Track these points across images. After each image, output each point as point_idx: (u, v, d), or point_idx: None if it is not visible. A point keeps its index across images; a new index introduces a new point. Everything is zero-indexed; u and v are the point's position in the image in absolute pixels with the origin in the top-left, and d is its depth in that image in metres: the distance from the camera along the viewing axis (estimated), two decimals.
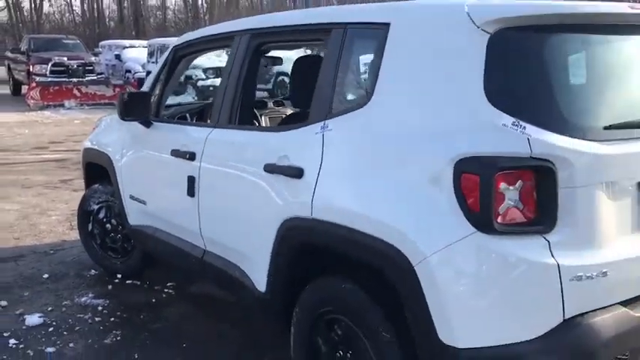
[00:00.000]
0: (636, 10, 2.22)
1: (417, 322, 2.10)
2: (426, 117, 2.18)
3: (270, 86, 14.94)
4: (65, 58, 17.08)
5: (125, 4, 40.35)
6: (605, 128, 2.13)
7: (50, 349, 3.45)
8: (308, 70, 2.83)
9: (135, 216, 4.04)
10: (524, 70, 2.08)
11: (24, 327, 3.72)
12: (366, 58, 2.45)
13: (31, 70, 16.80)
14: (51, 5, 43.97)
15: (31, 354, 3.40)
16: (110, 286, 4.39)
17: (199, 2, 39.71)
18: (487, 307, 2.01)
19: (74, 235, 5.31)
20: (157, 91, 3.86)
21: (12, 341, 3.53)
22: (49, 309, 3.98)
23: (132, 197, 4.03)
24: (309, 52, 7.69)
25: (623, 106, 2.28)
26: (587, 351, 2.02)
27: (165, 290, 4.32)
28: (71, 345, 3.51)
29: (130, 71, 18.57)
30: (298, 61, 3.01)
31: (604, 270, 2.06)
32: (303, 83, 2.86)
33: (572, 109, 2.11)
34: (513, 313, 2.01)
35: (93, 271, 4.66)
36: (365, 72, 2.45)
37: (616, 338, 2.06)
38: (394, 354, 2.21)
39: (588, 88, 2.24)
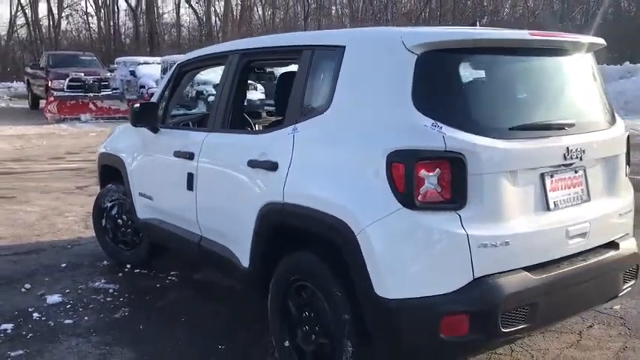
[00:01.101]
0: (535, 36, 2.80)
1: (359, 281, 2.66)
2: (368, 120, 2.76)
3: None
4: (82, 74, 17.84)
5: (141, 22, 41.39)
6: (510, 129, 2.70)
7: (68, 321, 4.04)
8: (287, 84, 3.42)
9: (143, 210, 4.64)
10: (443, 83, 2.67)
11: (45, 304, 4.31)
12: (328, 74, 3.03)
13: (49, 84, 17.58)
14: (69, 23, 45.14)
15: (52, 324, 3.99)
16: (120, 274, 4.98)
17: (213, 20, 40.69)
18: (411, 267, 2.57)
19: (89, 233, 5.90)
20: (164, 102, 4.47)
21: (35, 315, 4.12)
22: (67, 291, 4.57)
23: (140, 194, 4.63)
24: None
25: (525, 111, 2.87)
26: (491, 303, 2.56)
27: (169, 277, 4.89)
28: (86, 318, 4.09)
29: (144, 87, 19.29)
30: (280, 77, 3.61)
31: (507, 240, 2.62)
32: (283, 95, 3.45)
33: (481, 114, 2.69)
34: (432, 272, 2.56)
35: (105, 262, 5.24)
36: (327, 84, 3.03)
37: (516, 295, 2.61)
38: (344, 308, 2.76)
39: (495, 97, 2.82)
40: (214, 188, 3.70)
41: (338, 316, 2.80)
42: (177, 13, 45.51)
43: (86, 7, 44.88)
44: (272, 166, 3.14)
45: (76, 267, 5.15)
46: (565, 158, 2.81)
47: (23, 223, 6.62)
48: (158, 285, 4.75)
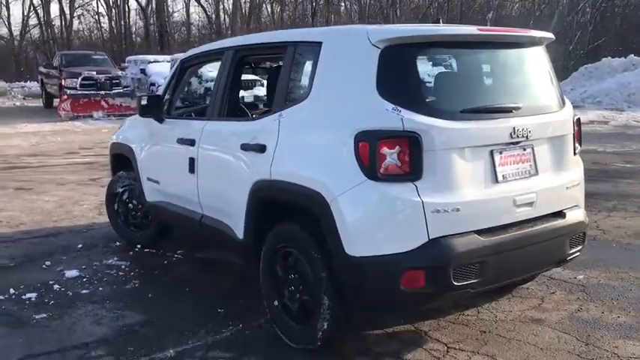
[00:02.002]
0: (483, 31, 3.24)
1: (332, 242, 3.11)
2: (340, 106, 3.21)
3: None
4: (94, 73, 18.37)
5: (151, 21, 41.96)
6: (461, 112, 3.14)
7: (85, 291, 4.53)
8: (275, 77, 3.87)
9: (151, 194, 5.12)
10: (402, 72, 3.11)
11: (64, 278, 4.80)
12: (308, 66, 3.48)
13: (62, 83, 18.12)
14: (80, 22, 45.86)
15: (70, 294, 4.48)
16: (131, 253, 5.46)
17: (222, 18, 41.22)
18: (374, 229, 3.02)
19: (103, 219, 6.39)
20: (168, 95, 4.94)
21: (56, 286, 4.61)
22: (83, 267, 5.05)
23: (148, 179, 5.11)
24: None
25: (476, 96, 3.30)
26: (443, 260, 3.00)
27: (175, 256, 5.37)
28: (100, 289, 4.58)
29: (154, 84, 19.76)
30: (270, 71, 4.05)
31: (457, 207, 3.06)
32: (272, 86, 3.91)
33: (435, 99, 3.14)
34: (392, 234, 3.01)
35: (117, 242, 5.73)
36: (307, 76, 3.48)
37: (465, 253, 3.04)
38: (321, 268, 3.21)
39: (448, 84, 3.27)
40: (213, 170, 4.17)
41: (317, 275, 3.26)
42: (187, 11, 46.15)
43: (97, 7, 45.77)
44: (261, 149, 3.60)
45: (91, 247, 5.64)
46: (512, 137, 3.24)
47: (41, 210, 7.13)
48: (165, 262, 5.23)
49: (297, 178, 3.30)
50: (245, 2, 39.72)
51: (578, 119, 3.76)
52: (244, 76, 5.23)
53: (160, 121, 4.85)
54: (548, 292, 4.35)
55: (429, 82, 3.17)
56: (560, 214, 3.51)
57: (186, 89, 4.94)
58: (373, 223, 3.03)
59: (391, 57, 3.09)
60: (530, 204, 3.34)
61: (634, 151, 11.56)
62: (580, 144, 3.82)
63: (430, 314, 3.95)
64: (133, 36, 45.29)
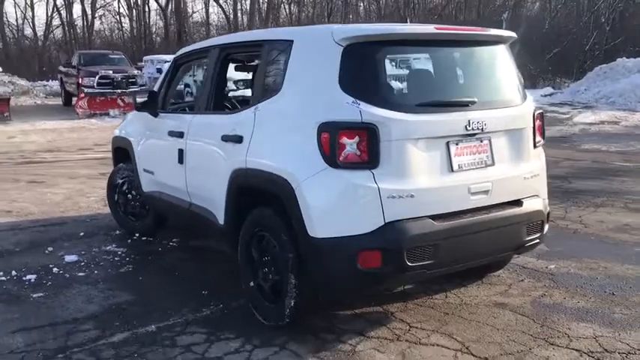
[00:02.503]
0: (440, 30, 3.47)
1: (297, 225, 3.36)
2: (307, 99, 3.46)
3: None
4: (111, 72, 18.80)
5: (171, 22, 42.52)
6: (418, 105, 3.37)
7: (81, 274, 4.83)
8: (254, 73, 4.13)
9: (147, 184, 5.41)
10: (362, 69, 3.34)
11: (64, 262, 5.11)
12: (281, 62, 3.74)
13: (80, 82, 18.59)
14: (101, 23, 46.57)
15: (68, 276, 4.79)
16: (129, 240, 5.77)
17: (240, 18, 41.61)
18: (334, 213, 3.27)
19: (107, 210, 6.68)
20: (163, 90, 5.23)
21: (55, 269, 4.93)
22: (82, 252, 5.37)
23: (145, 170, 5.40)
24: None
25: (432, 91, 3.54)
26: (398, 242, 3.23)
27: (170, 243, 5.66)
28: (96, 272, 4.88)
29: None
30: (250, 68, 4.31)
31: (412, 194, 3.29)
32: (251, 82, 4.17)
33: (392, 93, 3.38)
34: (350, 217, 3.25)
35: (117, 231, 6.04)
36: (280, 71, 3.73)
37: (418, 236, 3.27)
38: (289, 249, 3.47)
39: (405, 80, 3.51)
40: (198, 160, 4.45)
41: (285, 256, 3.51)
42: (207, 12, 46.64)
43: (118, 8, 46.33)
44: (238, 139, 3.87)
45: (92, 235, 5.96)
46: (467, 129, 3.46)
47: (50, 202, 7.48)
48: (160, 249, 5.52)
49: (268, 166, 3.57)
50: (263, 3, 40.11)
51: (541, 114, 3.97)
52: (240, 76, 5.50)
53: (155, 115, 5.14)
54: (517, 279, 4.56)
55: (387, 78, 3.41)
56: (517, 203, 3.72)
57: (179, 85, 5.20)
58: (333, 207, 3.28)
59: (353, 54, 3.33)
60: (486, 192, 3.56)
61: (637, 150, 11.62)
62: (542, 137, 4.02)
63: (400, 297, 4.19)
64: (153, 36, 45.86)
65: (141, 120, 5.43)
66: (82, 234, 5.99)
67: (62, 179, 9.08)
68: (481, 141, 3.58)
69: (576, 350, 3.43)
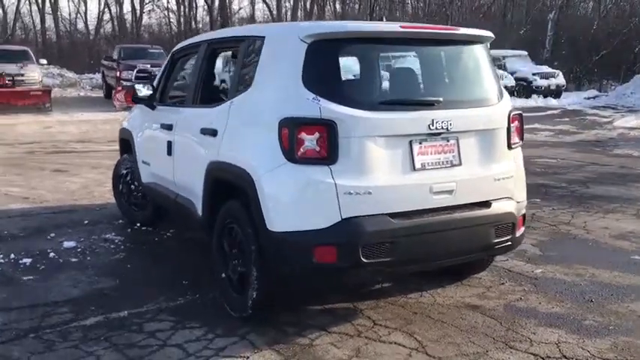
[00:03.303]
0: (405, 29, 3.46)
1: (257, 218, 3.42)
2: (272, 95, 3.51)
3: None
4: (149, 65, 19.24)
5: (217, 18, 43.09)
6: (380, 103, 3.38)
7: (74, 259, 5.01)
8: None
9: (145, 175, 5.56)
10: (325, 66, 3.37)
11: (61, 248, 5.30)
12: (254, 58, 3.80)
13: (119, 75, 19.10)
14: (150, 18, 47.59)
15: (61, 261, 4.97)
16: (129, 230, 5.93)
17: (283, 11, 41.82)
18: (291, 207, 3.31)
19: None
20: (162, 84, 5.36)
21: (51, 254, 5.12)
22: (81, 239, 5.55)
23: (143, 161, 5.55)
24: None
25: (395, 90, 3.53)
26: (352, 238, 3.25)
27: (167, 234, 5.80)
28: (88, 259, 5.05)
29: None
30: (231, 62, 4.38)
31: (369, 190, 3.30)
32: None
33: (354, 90, 3.40)
34: (307, 212, 3.29)
35: (120, 220, 6.22)
36: (252, 67, 3.79)
37: (374, 233, 3.28)
38: (252, 241, 3.53)
39: (368, 78, 3.51)
40: (183, 153, 4.55)
41: (249, 248, 3.58)
42: (253, 7, 47.10)
43: (167, 3, 47.24)
44: (213, 133, 3.95)
45: (96, 223, 6.15)
46: (430, 129, 3.45)
47: (66, 190, 7.75)
48: (156, 239, 5.66)
49: (236, 159, 3.64)
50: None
51: (518, 115, 3.91)
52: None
53: (152, 107, 5.28)
54: (498, 282, 4.50)
55: (350, 75, 3.43)
56: (485, 204, 3.68)
57: (176, 78, 5.32)
58: (290, 201, 3.33)
59: (316, 51, 3.37)
60: (450, 192, 3.54)
61: None
62: (521, 139, 3.97)
63: (374, 295, 4.20)
64: (199, 31, 46.57)
65: (141, 113, 5.58)
66: (86, 222, 6.19)
67: (85, 169, 9.36)
68: (447, 140, 3.56)
69: (534, 355, 3.38)
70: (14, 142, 12.77)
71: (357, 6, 40.84)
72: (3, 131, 14.55)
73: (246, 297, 3.65)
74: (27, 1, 45.12)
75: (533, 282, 4.51)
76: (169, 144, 4.74)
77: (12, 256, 5.04)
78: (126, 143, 6.07)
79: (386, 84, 3.57)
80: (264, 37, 3.73)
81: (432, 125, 3.45)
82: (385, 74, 3.59)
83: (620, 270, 4.74)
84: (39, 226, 6.00)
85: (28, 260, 4.94)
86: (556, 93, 22.68)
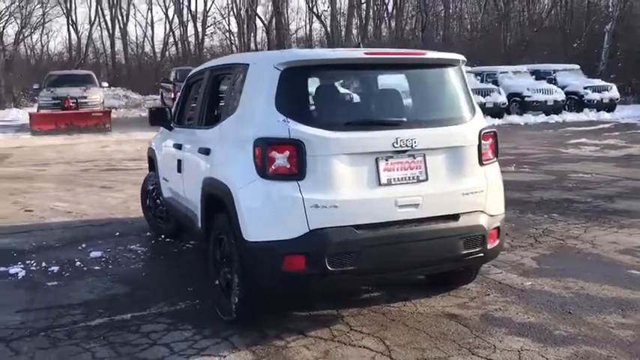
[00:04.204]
0: (369, 55, 3.75)
1: (235, 229, 3.76)
2: (251, 117, 3.86)
3: None
4: None
5: (274, 38, 44.19)
6: (346, 124, 3.68)
7: (97, 268, 5.50)
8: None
9: (164, 190, 6.02)
10: (295, 90, 3.70)
11: (88, 257, 5.81)
12: (240, 84, 4.16)
13: (173, 96, 20.03)
14: (212, 40, 49.26)
15: (85, 269, 5.46)
16: (153, 241, 6.40)
17: (336, 35, 42.44)
18: (264, 219, 3.64)
19: None
20: (179, 106, 5.82)
21: (78, 263, 5.63)
22: (108, 250, 6.05)
23: (163, 178, 6.02)
24: None
25: (360, 111, 3.83)
26: (319, 248, 3.55)
27: (187, 245, 6.23)
28: (110, 267, 5.53)
29: None
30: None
31: (335, 204, 3.59)
32: None
33: (321, 112, 3.71)
34: (278, 223, 3.60)
35: (148, 233, 6.71)
36: (239, 92, 4.16)
37: (339, 243, 3.57)
38: (234, 250, 3.87)
39: (334, 101, 3.81)
40: (188, 169, 4.97)
41: (232, 257, 3.92)
42: (310, 27, 48.06)
43: (229, 25, 48.77)
44: (207, 152, 4.34)
45: (125, 235, 6.66)
46: (394, 146, 3.71)
47: (107, 205, 8.36)
48: (176, 250, 6.10)
49: (221, 176, 4.01)
50: (364, 16, 40.75)
51: (491, 133, 4.11)
52: None
53: (170, 129, 5.74)
54: (484, 293, 4.67)
55: (318, 99, 3.74)
56: (453, 217, 3.89)
57: (188, 102, 5.77)
58: (262, 213, 3.66)
59: (288, 77, 3.70)
60: (416, 205, 3.77)
61: None
62: (495, 155, 4.16)
63: (360, 303, 4.46)
64: (258, 51, 47.75)
65: (163, 133, 6.06)
66: (117, 234, 6.71)
67: (128, 185, 9.99)
68: (414, 157, 3.80)
69: None
70: (72, 160, 13.69)
71: (412, 20, 41.06)
72: (63, 150, 15.60)
73: (230, 302, 3.98)
74: (98, 27, 47.64)
75: (518, 294, 4.64)
76: (179, 162, 5.16)
77: (43, 264, 5.57)
78: (151, 161, 6.57)
79: (352, 106, 3.86)
80: (248, 64, 4.10)
81: (397, 143, 3.71)
82: (352, 97, 3.88)
83: (610, 283, 4.80)
84: (73, 238, 6.56)
85: (56, 268, 5.46)
86: (609, 107, 22.14)
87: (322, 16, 42.73)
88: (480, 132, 4.03)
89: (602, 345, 3.73)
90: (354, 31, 40.32)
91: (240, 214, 3.71)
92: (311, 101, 3.72)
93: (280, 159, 3.60)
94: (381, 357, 3.63)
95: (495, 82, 22.23)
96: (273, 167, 3.60)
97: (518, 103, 21.83)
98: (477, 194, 4.00)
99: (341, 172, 3.63)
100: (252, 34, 46.67)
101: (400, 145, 3.72)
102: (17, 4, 38.18)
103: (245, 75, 4.08)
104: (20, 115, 23.64)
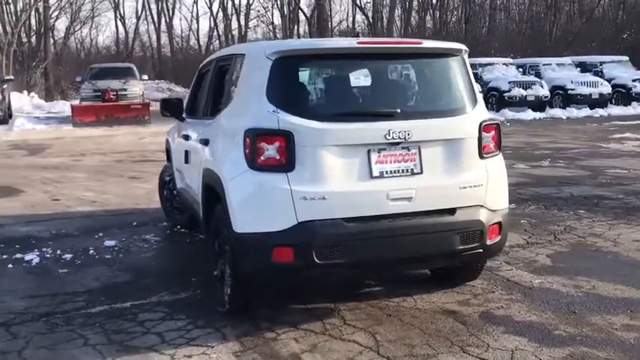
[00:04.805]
0: (361, 44, 3.67)
1: (227, 220, 3.75)
2: (244, 107, 3.84)
3: None
4: None
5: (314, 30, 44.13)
6: (335, 114, 3.61)
7: (108, 256, 5.58)
8: None
9: (178, 181, 6.07)
10: (286, 80, 3.65)
11: (102, 246, 5.91)
12: (236, 74, 4.14)
13: None
14: (255, 33, 49.60)
15: (97, 257, 5.56)
16: (168, 231, 6.47)
17: (377, 26, 42.05)
18: (253, 210, 3.61)
19: None
20: (190, 97, 5.85)
21: (91, 251, 5.73)
22: (123, 239, 6.14)
23: (176, 169, 6.06)
24: None
25: (352, 102, 3.74)
26: (306, 240, 3.50)
27: (200, 236, 6.25)
28: (121, 256, 5.61)
29: None
30: None
31: (324, 196, 3.53)
32: None
33: (311, 103, 3.66)
34: (266, 215, 3.57)
35: (164, 223, 6.78)
36: (235, 82, 4.14)
37: (327, 236, 3.51)
38: (227, 242, 3.86)
39: (325, 91, 3.74)
40: (193, 160, 4.99)
41: (225, 248, 3.92)
42: (353, 18, 47.81)
43: (272, 17, 48.99)
44: (206, 143, 4.35)
45: (142, 225, 6.75)
46: (386, 138, 3.62)
47: (132, 195, 8.50)
48: (188, 240, 6.15)
49: (215, 167, 4.00)
50: (404, 10, 40.28)
51: (492, 125, 3.97)
52: None
53: (182, 120, 5.77)
54: (489, 290, 4.53)
55: (308, 89, 3.68)
56: (449, 211, 3.78)
57: (198, 93, 5.77)
58: (251, 205, 3.63)
59: (279, 67, 3.66)
60: (409, 199, 3.68)
61: None
62: (498, 148, 4.03)
63: (359, 297, 4.39)
64: None
65: (176, 125, 6.10)
66: (135, 223, 6.80)
67: (156, 177, 10.03)
68: (408, 150, 3.71)
69: (481, 359, 3.45)
70: (108, 151, 13.98)
71: (457, 12, 40.29)
72: (102, 141, 15.96)
73: (223, 293, 3.98)
74: (145, 21, 48.58)
75: (525, 292, 4.49)
76: (186, 153, 5.19)
77: (58, 252, 5.69)
78: (168, 152, 6.64)
79: (343, 96, 3.78)
80: (244, 54, 4.07)
81: (389, 135, 3.62)
82: (344, 87, 3.80)
83: (625, 284, 4.60)
84: (92, 227, 6.68)
85: (69, 256, 5.57)
86: None
87: (365, 8, 42.39)
88: (481, 124, 3.90)
89: (601, 346, 3.58)
90: (397, 23, 39.90)
91: (230, 205, 3.69)
92: (302, 91, 3.67)
93: (270, 150, 3.56)
94: (368, 352, 3.56)
95: (538, 75, 21.65)
96: (262, 158, 3.57)
97: (561, 96, 21.21)
98: (476, 188, 3.88)
99: (331, 163, 3.57)
100: (294, 27, 46.77)
101: (393, 137, 3.63)
102: None
103: (241, 65, 4.05)
104: (66, 107, 24.22)
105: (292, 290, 4.52)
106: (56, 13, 36.83)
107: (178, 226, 6.57)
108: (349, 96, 3.81)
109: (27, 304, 4.42)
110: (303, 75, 3.69)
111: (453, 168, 3.83)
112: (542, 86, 20.69)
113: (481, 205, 3.90)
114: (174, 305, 4.35)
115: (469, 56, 4.03)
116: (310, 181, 3.54)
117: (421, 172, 3.74)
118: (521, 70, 21.75)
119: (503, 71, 21.30)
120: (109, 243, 5.98)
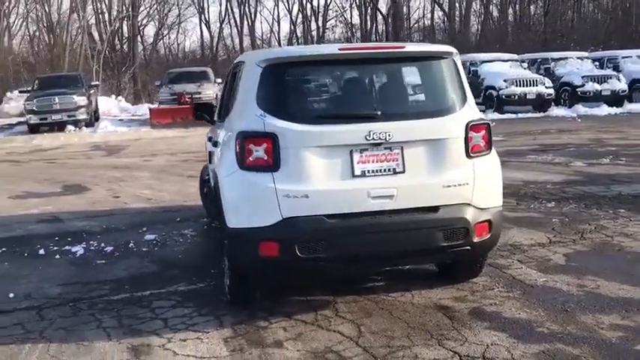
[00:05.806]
0: (343, 51, 3.86)
1: (222, 216, 4.06)
2: (240, 111, 4.13)
3: None
4: None
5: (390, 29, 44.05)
6: (318, 117, 3.84)
7: (145, 249, 6.05)
8: None
9: (212, 181, 6.45)
10: (273, 86, 3.91)
11: (142, 240, 6.38)
12: (238, 81, 4.43)
13: None
14: (333, 33, 50.13)
15: (135, 250, 6.03)
16: (205, 227, 6.89)
17: (455, 23, 41.44)
18: (242, 207, 3.90)
19: None
20: (221, 100, 6.21)
21: (131, 244, 6.22)
22: (162, 233, 6.60)
23: (210, 169, 6.45)
24: None
25: (333, 105, 3.95)
26: (289, 235, 3.75)
27: None
28: (155, 249, 6.06)
29: None
30: None
31: (306, 194, 3.77)
32: None
33: (295, 107, 3.89)
34: (254, 211, 3.85)
35: (205, 219, 7.20)
36: (237, 88, 4.43)
37: (309, 231, 3.74)
38: (223, 237, 4.18)
39: (308, 95, 3.97)
40: (213, 161, 5.34)
41: (224, 242, 4.23)
42: (432, 16, 47.34)
43: (351, 17, 49.31)
44: (216, 145, 4.69)
45: (184, 221, 7.20)
46: (367, 139, 3.80)
47: (184, 193, 9.02)
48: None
49: (217, 167, 4.32)
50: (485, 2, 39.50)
51: (481, 125, 4.06)
52: None
53: (213, 123, 6.16)
54: (489, 287, 4.60)
55: (293, 94, 3.92)
56: (432, 209, 3.91)
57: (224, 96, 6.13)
58: (240, 202, 3.93)
59: (268, 74, 3.93)
60: (390, 197, 3.84)
61: None
62: (488, 147, 4.11)
63: (359, 292, 4.58)
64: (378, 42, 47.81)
65: (210, 127, 6.51)
66: (178, 219, 7.28)
67: None
68: (391, 150, 3.87)
69: (455, 353, 3.55)
70: (178, 151, 14.73)
71: (533, 7, 39.05)
72: (175, 142, 16.80)
73: (224, 284, 4.29)
74: (227, 25, 50.20)
75: (525, 289, 4.53)
76: (210, 154, 5.56)
77: (102, 245, 6.22)
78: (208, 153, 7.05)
79: (325, 100, 3.99)
80: (244, 62, 4.37)
81: (369, 136, 3.80)
82: (327, 91, 4.01)
83: (632, 284, 4.53)
84: (139, 222, 7.20)
85: (110, 248, 6.08)
86: None
87: (442, 4, 41.95)
88: (468, 124, 4.00)
89: (577, 344, 3.60)
90: (473, 18, 39.17)
91: (223, 201, 4.00)
92: (287, 96, 3.91)
93: (258, 151, 3.83)
94: (348, 342, 3.76)
95: (617, 68, 20.70)
96: (250, 159, 3.84)
97: None
98: (462, 187, 3.98)
99: (313, 163, 3.79)
100: (373, 26, 46.85)
101: (373, 138, 3.80)
102: (155, 6, 41.26)
103: (242, 72, 4.35)
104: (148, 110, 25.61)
105: (296, 284, 4.76)
106: (145, 20, 38.91)
107: (216, 222, 6.96)
108: (331, 100, 4.03)
109: (61, 290, 4.92)
110: (289, 81, 3.93)
111: (437, 167, 3.95)
112: (619, 80, 19.77)
113: (467, 204, 3.99)
114: (188, 294, 4.71)
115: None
116: (293, 180, 3.78)
117: (403, 172, 3.89)
118: (597, 63, 20.86)
119: (577, 65, 20.51)
120: (148, 237, 6.45)
